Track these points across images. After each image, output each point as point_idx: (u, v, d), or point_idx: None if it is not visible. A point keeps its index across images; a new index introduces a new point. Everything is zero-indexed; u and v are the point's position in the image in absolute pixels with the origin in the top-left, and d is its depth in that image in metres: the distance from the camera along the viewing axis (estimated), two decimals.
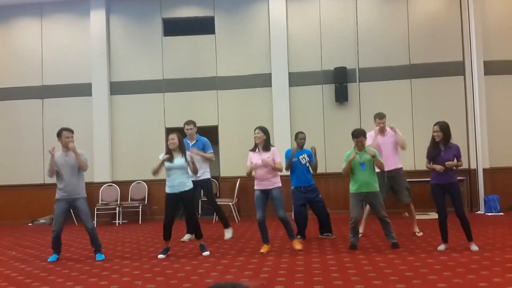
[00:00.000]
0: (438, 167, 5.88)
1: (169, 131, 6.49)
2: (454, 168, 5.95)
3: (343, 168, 6.30)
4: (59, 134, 6.32)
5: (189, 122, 7.71)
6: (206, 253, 6.23)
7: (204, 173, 7.53)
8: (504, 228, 7.62)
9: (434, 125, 6.05)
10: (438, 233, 6.11)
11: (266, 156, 6.20)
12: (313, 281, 4.67)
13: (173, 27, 11.08)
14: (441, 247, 5.98)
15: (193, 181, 6.46)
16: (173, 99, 10.78)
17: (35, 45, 11.12)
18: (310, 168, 7.20)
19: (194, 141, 7.65)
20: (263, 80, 10.54)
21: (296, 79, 10.49)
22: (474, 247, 5.86)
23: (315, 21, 10.55)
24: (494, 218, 8.97)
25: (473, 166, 9.92)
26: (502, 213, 9.44)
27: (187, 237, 7.43)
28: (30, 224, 10.57)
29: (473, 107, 9.99)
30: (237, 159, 9.99)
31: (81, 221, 6.37)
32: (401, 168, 7.23)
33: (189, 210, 6.35)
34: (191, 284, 4.75)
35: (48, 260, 6.20)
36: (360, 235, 7.10)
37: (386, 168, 7.07)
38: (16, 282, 5.12)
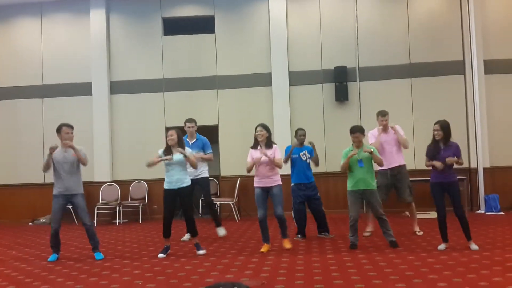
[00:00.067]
0: (437, 164, 5.88)
1: (169, 130, 6.47)
2: (455, 165, 5.95)
3: (341, 164, 6.31)
4: (58, 130, 6.32)
5: (190, 120, 7.70)
6: (201, 252, 6.22)
7: (203, 171, 7.53)
8: (504, 227, 7.62)
9: (435, 123, 6.06)
10: (438, 232, 6.10)
11: (268, 153, 6.21)
12: (313, 280, 4.67)
13: (173, 26, 11.08)
14: (441, 246, 5.98)
15: (191, 179, 6.47)
16: (173, 98, 10.79)
17: (35, 45, 11.12)
18: (311, 165, 7.20)
19: (194, 140, 7.64)
20: (263, 79, 10.54)
21: (296, 78, 10.48)
22: (473, 246, 5.86)
23: (315, 20, 10.55)
24: (494, 217, 8.97)
25: (473, 165, 9.92)
26: (502, 212, 9.45)
27: (187, 236, 7.42)
28: (30, 223, 10.58)
29: (473, 106, 9.99)
30: (237, 158, 9.99)
31: (79, 217, 6.36)
32: (405, 165, 7.24)
33: (186, 206, 6.33)
34: (192, 283, 4.75)
35: (48, 259, 6.20)
36: (369, 234, 7.12)
37: (390, 166, 7.09)
38: (16, 282, 5.12)
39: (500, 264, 5.04)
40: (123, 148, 10.77)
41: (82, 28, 10.99)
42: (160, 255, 6.18)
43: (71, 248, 7.11)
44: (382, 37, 10.37)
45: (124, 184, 10.51)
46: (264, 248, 6.25)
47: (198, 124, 7.82)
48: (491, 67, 10.04)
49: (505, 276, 4.57)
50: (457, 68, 10.19)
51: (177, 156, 6.15)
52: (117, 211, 10.16)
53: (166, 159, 6.12)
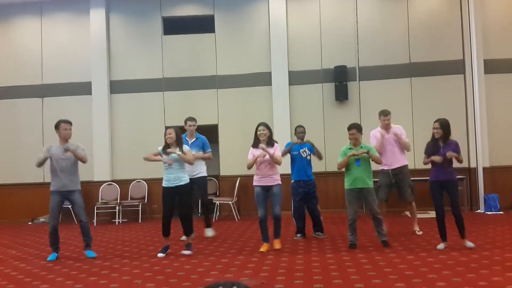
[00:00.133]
0: (437, 158, 5.88)
1: (171, 126, 6.47)
2: (454, 163, 5.94)
3: (340, 162, 6.32)
4: (57, 126, 6.33)
5: (191, 119, 7.69)
6: (187, 252, 6.20)
7: (201, 171, 7.54)
8: (504, 227, 7.61)
9: (435, 122, 6.06)
10: (438, 232, 6.10)
11: (269, 151, 6.23)
12: (313, 280, 4.67)
13: (173, 26, 11.07)
14: (441, 245, 5.98)
15: (189, 178, 6.47)
16: (173, 97, 10.79)
17: (35, 44, 11.12)
18: (311, 162, 7.21)
19: (193, 139, 7.63)
20: (263, 79, 10.53)
21: (296, 78, 10.48)
22: (469, 244, 5.89)
23: (315, 20, 10.55)
24: (494, 217, 8.97)
25: (473, 165, 9.92)
26: (502, 212, 9.44)
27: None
28: (30, 223, 10.58)
29: (473, 105, 9.98)
30: (237, 157, 9.99)
31: (75, 214, 6.35)
32: (407, 165, 7.23)
33: (184, 204, 6.32)
34: (191, 283, 4.75)
35: (48, 259, 6.20)
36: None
37: (392, 166, 7.09)
38: (15, 281, 5.12)
39: (499, 264, 5.04)
40: (123, 148, 10.76)
41: (82, 28, 10.98)
42: (160, 255, 6.18)
43: (70, 247, 7.11)
44: (382, 37, 10.37)
45: (124, 184, 10.50)
46: (264, 248, 6.25)
47: (198, 123, 7.82)
48: (491, 66, 10.03)
49: (504, 275, 4.57)
50: (457, 67, 10.18)
51: (174, 155, 6.16)
52: (117, 210, 10.16)
53: (166, 162, 6.13)
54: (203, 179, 7.60)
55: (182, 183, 6.22)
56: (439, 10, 10.34)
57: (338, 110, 10.35)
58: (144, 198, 10.41)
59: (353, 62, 10.38)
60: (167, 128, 6.57)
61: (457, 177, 6.19)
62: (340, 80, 10.24)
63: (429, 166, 6.15)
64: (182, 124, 7.80)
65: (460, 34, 10.21)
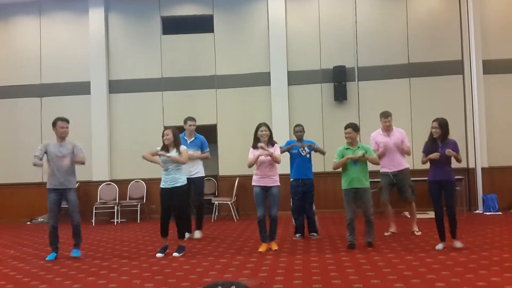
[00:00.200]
0: (434, 155, 5.89)
1: (168, 127, 6.48)
2: (453, 163, 5.95)
3: (336, 163, 6.33)
4: (54, 124, 6.31)
5: (192, 119, 7.69)
6: (177, 254, 6.15)
7: (199, 171, 7.55)
8: (502, 228, 7.62)
9: (433, 121, 6.07)
10: (437, 232, 6.11)
11: (270, 150, 6.26)
12: (312, 280, 4.67)
13: (172, 26, 11.07)
14: (439, 246, 5.99)
15: (187, 178, 6.47)
16: (172, 97, 10.78)
17: (34, 43, 11.11)
18: (311, 161, 7.22)
19: (192, 139, 7.63)
20: (262, 79, 10.53)
21: (295, 78, 10.48)
22: (457, 244, 5.92)
23: (314, 20, 10.55)
24: (492, 217, 8.98)
25: (471, 165, 9.93)
26: (500, 212, 9.46)
27: (187, 235, 7.41)
28: (29, 222, 10.56)
29: (471, 106, 9.99)
30: (236, 157, 9.99)
31: (68, 213, 6.32)
32: (407, 168, 7.25)
33: (179, 206, 6.31)
34: (190, 283, 4.75)
35: (47, 258, 6.19)
36: (389, 234, 7.10)
37: (393, 169, 7.10)
38: (14, 281, 5.11)
39: (498, 264, 5.04)
40: (122, 148, 10.76)
41: (81, 27, 10.97)
42: (158, 255, 6.18)
43: (69, 247, 7.07)
44: (381, 37, 10.37)
45: (123, 184, 10.49)
46: (263, 248, 6.25)
47: (197, 123, 7.82)
48: (490, 67, 10.04)
49: (503, 276, 4.57)
50: (456, 68, 10.19)
51: (163, 158, 6.18)
52: (115, 210, 10.15)
53: (165, 155, 6.14)
54: (200, 180, 7.61)
55: (178, 184, 6.23)
56: (438, 11, 10.35)
57: (337, 110, 10.35)
58: (142, 198, 10.40)
59: (352, 62, 10.38)
60: (165, 128, 6.57)
61: (456, 177, 6.20)
62: (339, 80, 10.24)
63: (427, 166, 6.16)
64: (181, 124, 7.79)
65: (459, 35, 10.22)
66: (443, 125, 6.00)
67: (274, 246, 6.34)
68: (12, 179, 10.84)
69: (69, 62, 10.96)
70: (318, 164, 8.35)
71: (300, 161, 7.14)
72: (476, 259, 5.33)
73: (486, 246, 6.05)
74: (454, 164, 6.03)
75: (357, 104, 10.31)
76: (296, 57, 10.52)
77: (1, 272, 5.60)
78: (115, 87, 10.90)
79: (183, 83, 10.75)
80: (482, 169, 9.82)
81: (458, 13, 10.24)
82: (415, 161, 9.58)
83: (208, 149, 7.70)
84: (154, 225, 8.99)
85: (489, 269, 4.87)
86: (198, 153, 7.48)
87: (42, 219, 10.41)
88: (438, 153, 5.87)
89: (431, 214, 7.61)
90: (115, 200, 10.30)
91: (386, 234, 7.14)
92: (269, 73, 10.50)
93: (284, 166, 7.34)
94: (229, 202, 9.82)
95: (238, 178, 9.97)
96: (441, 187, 5.97)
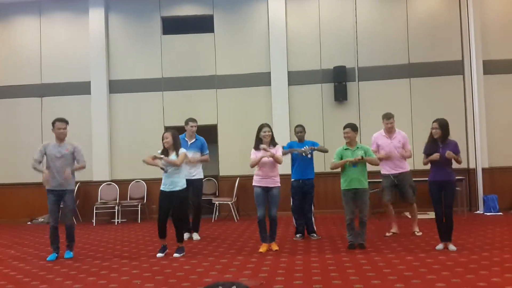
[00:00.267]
0: (434, 156, 5.89)
1: (168, 130, 6.48)
2: (454, 164, 5.95)
3: (334, 163, 6.34)
4: (52, 125, 6.30)
5: (193, 120, 7.67)
6: (177, 254, 6.16)
7: (198, 173, 7.55)
8: (503, 228, 7.62)
9: (433, 122, 6.06)
10: (437, 233, 6.11)
11: (272, 151, 6.27)
12: (312, 280, 4.67)
13: (172, 26, 11.07)
14: (439, 246, 5.99)
15: (186, 179, 6.46)
16: (172, 97, 10.78)
17: (34, 43, 11.10)
18: (312, 161, 7.22)
19: (193, 140, 7.62)
20: (262, 79, 10.53)
21: (295, 78, 10.48)
22: (451, 247, 5.91)
23: (315, 20, 10.55)
24: (493, 217, 8.98)
25: (472, 166, 9.93)
26: (501, 213, 9.46)
27: (187, 236, 7.41)
28: (29, 222, 10.56)
29: (472, 106, 9.99)
30: (236, 158, 10.00)
31: (63, 214, 6.33)
32: (408, 170, 7.25)
33: (178, 209, 6.31)
34: (190, 283, 4.75)
35: (47, 259, 6.20)
36: (390, 234, 7.10)
37: (395, 172, 7.10)
38: (14, 281, 5.11)
39: (498, 265, 5.04)
40: (122, 148, 10.75)
41: (81, 27, 10.97)
42: (159, 255, 6.18)
43: None
44: (381, 37, 10.37)
45: (123, 184, 10.49)
46: (263, 248, 6.25)
47: (197, 123, 7.81)
48: (490, 67, 10.04)
49: (503, 276, 4.58)
50: (456, 68, 10.19)
51: (171, 158, 6.17)
52: (116, 210, 10.15)
53: (162, 169, 6.13)
54: (199, 181, 7.60)
55: (177, 188, 6.21)
56: (439, 11, 10.35)
57: (337, 110, 10.34)
58: (143, 198, 10.40)
59: (352, 63, 10.38)
60: (165, 130, 6.56)
61: (456, 177, 6.20)
62: (339, 80, 10.24)
63: (428, 166, 6.16)
64: (182, 124, 7.79)
65: (459, 35, 10.22)
66: (443, 125, 5.99)
67: (275, 247, 6.35)
68: (12, 179, 10.84)
69: (69, 62, 10.95)
70: (319, 164, 8.34)
71: (301, 161, 7.14)
72: (477, 260, 5.33)
73: (487, 247, 6.05)
74: (455, 164, 6.03)
75: (357, 104, 10.31)
76: (296, 57, 10.52)
77: (1, 272, 5.61)
78: (115, 87, 10.90)
79: (183, 83, 10.75)
80: (483, 169, 9.82)
81: (458, 13, 10.24)
82: (415, 162, 9.60)
83: (207, 151, 7.68)
84: (155, 225, 8.88)
85: (490, 269, 4.87)
86: (197, 155, 7.47)
87: (42, 219, 10.41)
88: (438, 154, 5.87)
89: (432, 215, 7.61)
90: (116, 200, 10.30)
91: (387, 234, 7.15)
92: (269, 73, 10.49)
93: (285, 167, 7.34)
94: (229, 202, 9.82)
95: (238, 178, 9.97)
96: (441, 187, 5.97)
